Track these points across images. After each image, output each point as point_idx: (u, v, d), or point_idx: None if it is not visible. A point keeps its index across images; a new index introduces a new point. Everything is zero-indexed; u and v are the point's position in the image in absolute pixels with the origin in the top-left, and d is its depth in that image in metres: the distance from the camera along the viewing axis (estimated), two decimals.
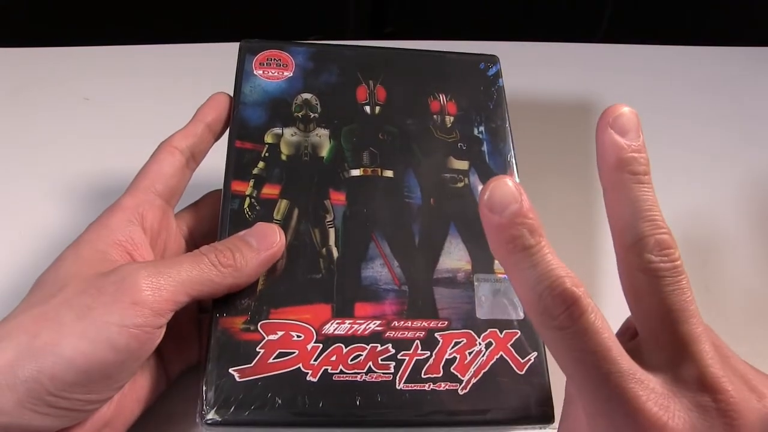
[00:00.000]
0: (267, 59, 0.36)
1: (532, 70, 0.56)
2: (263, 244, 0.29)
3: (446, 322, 0.30)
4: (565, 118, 0.54)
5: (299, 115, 0.35)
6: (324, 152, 0.34)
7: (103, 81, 0.51)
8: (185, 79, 0.52)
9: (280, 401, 0.27)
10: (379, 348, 0.29)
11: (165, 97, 0.50)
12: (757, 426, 0.21)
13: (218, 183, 0.33)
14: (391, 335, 0.29)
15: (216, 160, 0.34)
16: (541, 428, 0.29)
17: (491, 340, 0.30)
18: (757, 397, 0.22)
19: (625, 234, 0.23)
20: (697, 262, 0.45)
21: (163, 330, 0.27)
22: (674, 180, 0.49)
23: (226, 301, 0.29)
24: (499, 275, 0.32)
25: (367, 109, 0.36)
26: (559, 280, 0.21)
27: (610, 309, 0.27)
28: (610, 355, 0.21)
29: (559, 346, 0.22)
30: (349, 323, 0.29)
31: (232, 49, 0.37)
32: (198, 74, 0.51)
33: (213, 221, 0.33)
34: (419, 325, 0.30)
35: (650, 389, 0.21)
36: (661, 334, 0.22)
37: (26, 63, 0.52)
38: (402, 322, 0.30)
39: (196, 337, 0.33)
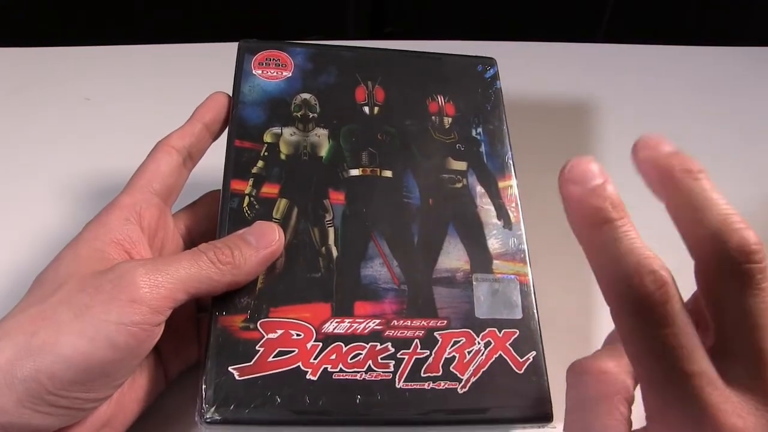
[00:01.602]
0: (266, 59, 0.36)
1: (531, 70, 0.56)
2: (262, 242, 0.29)
3: (445, 321, 0.30)
4: (565, 118, 0.54)
5: (298, 114, 0.35)
6: (323, 152, 0.34)
7: (103, 81, 0.51)
8: (185, 78, 0.52)
9: (279, 400, 0.27)
10: (379, 347, 0.29)
11: (165, 97, 0.50)
12: None
13: (217, 182, 0.33)
14: (391, 334, 0.29)
15: (215, 159, 0.34)
16: (539, 427, 0.29)
17: (490, 339, 0.30)
18: None
19: (700, 229, 0.21)
20: None
21: (162, 327, 0.27)
22: None
23: (225, 299, 0.29)
24: (498, 275, 0.32)
25: (366, 109, 0.36)
26: (649, 260, 0.19)
27: (602, 313, 0.30)
28: (695, 354, 0.19)
29: (638, 331, 0.20)
30: (348, 322, 0.29)
31: (231, 48, 0.37)
32: (197, 74, 0.51)
33: (211, 221, 0.33)
34: (418, 324, 0.30)
35: (727, 397, 0.20)
36: (740, 348, 0.21)
37: (26, 63, 0.52)
38: (401, 321, 0.30)
39: (194, 336, 0.33)
